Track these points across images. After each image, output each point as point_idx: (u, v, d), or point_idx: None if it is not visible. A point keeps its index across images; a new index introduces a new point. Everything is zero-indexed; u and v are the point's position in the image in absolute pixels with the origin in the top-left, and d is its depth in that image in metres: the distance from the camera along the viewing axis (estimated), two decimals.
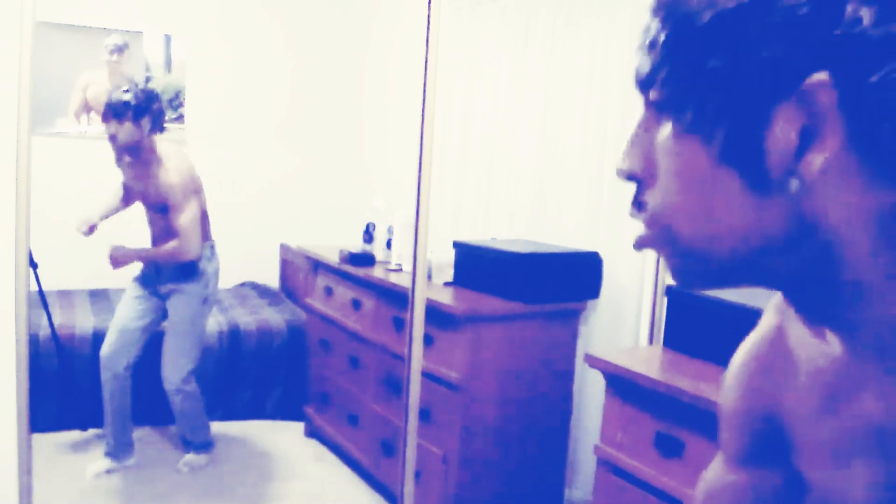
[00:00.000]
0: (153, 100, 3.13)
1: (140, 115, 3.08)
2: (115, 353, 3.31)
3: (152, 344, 3.44)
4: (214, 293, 3.45)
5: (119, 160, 3.33)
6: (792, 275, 0.53)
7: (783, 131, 0.48)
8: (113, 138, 3.12)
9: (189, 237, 3.23)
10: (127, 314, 3.37)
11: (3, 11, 2.09)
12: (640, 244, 0.58)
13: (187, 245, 3.23)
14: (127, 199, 3.50)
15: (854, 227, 0.50)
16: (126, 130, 3.08)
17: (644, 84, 0.55)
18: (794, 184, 0.49)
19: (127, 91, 3.08)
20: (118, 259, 3.29)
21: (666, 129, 0.54)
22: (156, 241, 3.37)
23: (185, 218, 3.21)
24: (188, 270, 3.33)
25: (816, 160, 0.48)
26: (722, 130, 0.50)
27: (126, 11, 4.60)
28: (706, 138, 0.51)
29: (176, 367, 3.34)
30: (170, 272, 3.34)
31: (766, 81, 0.48)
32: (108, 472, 3.37)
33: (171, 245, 3.26)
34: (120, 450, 3.40)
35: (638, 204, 0.57)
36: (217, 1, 4.83)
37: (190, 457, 3.51)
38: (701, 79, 0.51)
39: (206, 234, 3.38)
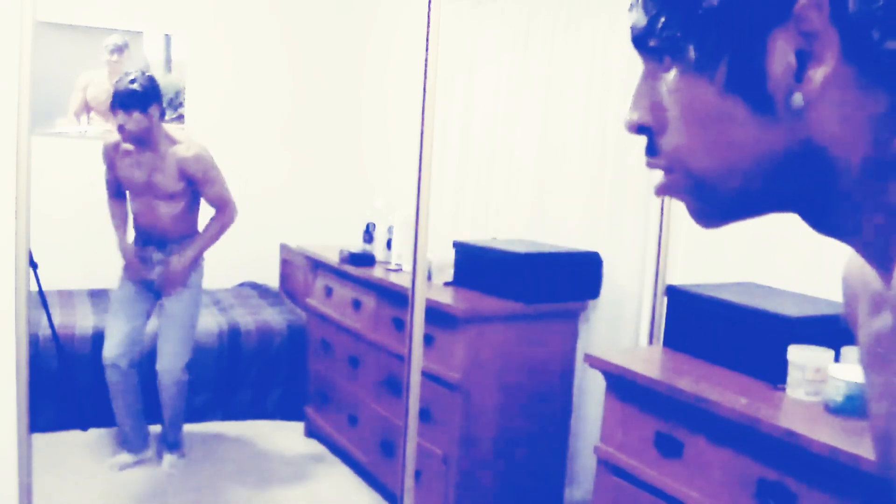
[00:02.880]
0: (158, 87, 3.18)
1: (148, 103, 3.11)
2: (121, 353, 3.31)
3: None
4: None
5: (111, 157, 3.31)
6: (798, 194, 0.56)
7: (782, 54, 0.52)
8: (121, 129, 3.13)
9: (231, 203, 3.34)
10: (127, 313, 3.36)
11: (3, 11, 2.09)
12: (661, 190, 0.61)
13: (232, 213, 3.35)
14: (121, 200, 3.43)
15: (850, 136, 0.52)
16: (135, 120, 3.11)
17: (642, 37, 0.58)
18: (797, 99, 0.52)
19: (133, 81, 3.10)
20: (178, 276, 3.30)
21: (670, 75, 0.57)
22: (160, 226, 3.33)
23: (220, 187, 3.30)
24: None
25: (817, 75, 0.51)
26: (724, 63, 0.54)
27: (126, 11, 4.59)
28: (710, 74, 0.55)
29: (177, 358, 3.35)
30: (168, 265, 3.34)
31: (759, 10, 0.52)
32: (131, 465, 3.43)
33: (217, 222, 3.34)
34: (138, 443, 3.48)
35: (651, 151, 0.60)
36: (217, 1, 4.83)
37: (171, 457, 3.50)
38: (698, 19, 0.54)
39: (196, 224, 3.42)
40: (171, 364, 3.35)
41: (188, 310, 3.38)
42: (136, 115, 3.09)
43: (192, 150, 3.22)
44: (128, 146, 3.25)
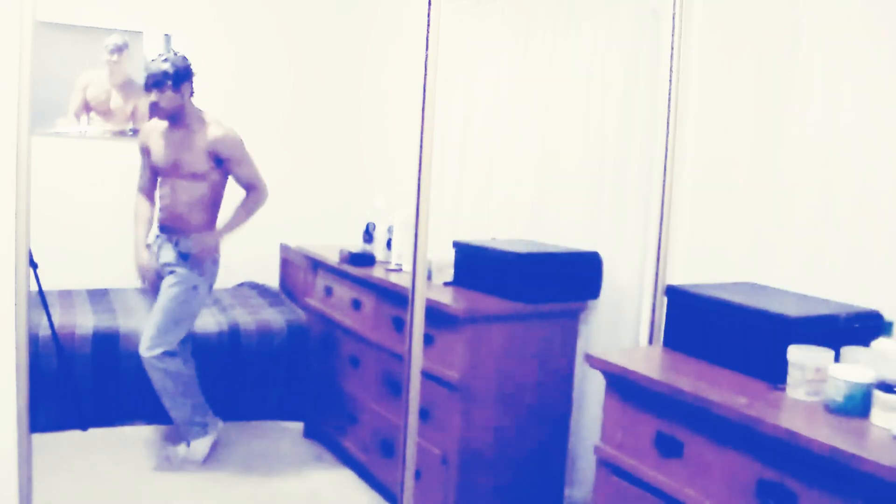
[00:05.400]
0: (190, 66, 3.31)
1: (180, 81, 3.25)
2: (148, 347, 3.37)
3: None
4: (210, 283, 3.47)
5: (146, 137, 3.44)
6: None
7: None
8: (155, 106, 3.26)
9: (262, 183, 3.42)
10: (151, 306, 3.47)
11: (3, 11, 2.09)
12: None
13: (263, 193, 3.43)
14: (153, 181, 3.51)
15: None
16: (168, 98, 3.25)
17: None
18: None
19: (165, 60, 3.24)
20: (205, 252, 3.36)
21: None
22: (178, 213, 3.38)
23: (251, 167, 3.39)
24: (186, 258, 3.39)
25: None
26: None
27: (126, 11, 4.60)
28: None
29: (147, 339, 3.35)
30: (170, 255, 3.40)
31: None
32: (208, 448, 3.52)
33: (248, 203, 3.41)
34: (203, 424, 3.53)
35: None
36: (217, 1, 4.83)
37: (182, 448, 3.52)
38: None
39: (215, 222, 3.46)
40: (144, 350, 3.35)
41: (177, 297, 3.37)
42: (169, 93, 3.23)
43: (223, 130, 3.32)
44: (161, 124, 3.38)
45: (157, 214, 3.48)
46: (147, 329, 3.39)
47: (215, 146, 3.30)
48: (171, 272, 3.40)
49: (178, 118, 3.32)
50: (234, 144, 3.33)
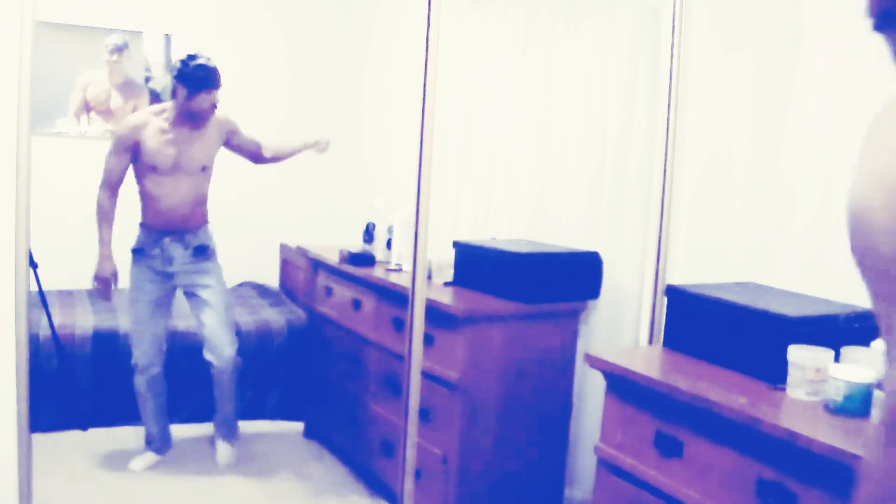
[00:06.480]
0: None
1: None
2: (153, 359, 3.39)
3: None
4: None
5: (136, 139, 3.23)
6: None
7: None
8: (214, 107, 3.27)
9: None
10: (152, 315, 3.38)
11: (3, 11, 2.09)
12: None
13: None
14: (115, 197, 3.35)
15: None
16: (216, 97, 3.27)
17: None
18: None
19: (209, 59, 3.24)
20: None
21: None
22: (185, 210, 3.32)
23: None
24: (203, 251, 3.39)
25: None
26: None
27: (126, 11, 4.60)
28: None
29: (228, 343, 3.38)
30: (188, 257, 3.36)
31: None
32: (154, 465, 3.50)
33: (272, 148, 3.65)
34: (163, 444, 3.54)
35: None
36: (217, 1, 4.83)
37: (227, 449, 3.58)
38: None
39: (207, 215, 3.47)
40: (224, 351, 3.37)
41: (222, 295, 3.42)
42: (214, 91, 3.24)
43: (221, 112, 3.41)
44: (156, 122, 3.25)
45: (150, 216, 3.33)
46: (215, 336, 3.36)
47: (227, 126, 3.42)
48: (200, 272, 3.37)
49: (208, 117, 3.33)
50: (230, 118, 3.47)
